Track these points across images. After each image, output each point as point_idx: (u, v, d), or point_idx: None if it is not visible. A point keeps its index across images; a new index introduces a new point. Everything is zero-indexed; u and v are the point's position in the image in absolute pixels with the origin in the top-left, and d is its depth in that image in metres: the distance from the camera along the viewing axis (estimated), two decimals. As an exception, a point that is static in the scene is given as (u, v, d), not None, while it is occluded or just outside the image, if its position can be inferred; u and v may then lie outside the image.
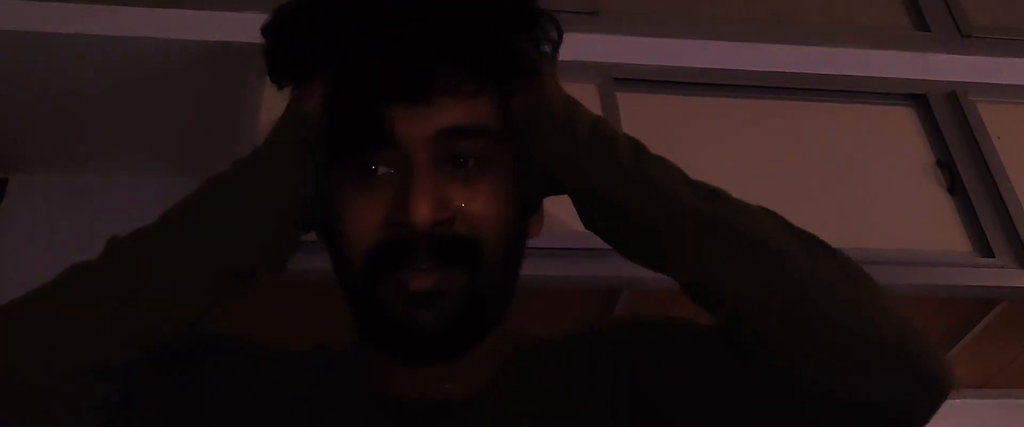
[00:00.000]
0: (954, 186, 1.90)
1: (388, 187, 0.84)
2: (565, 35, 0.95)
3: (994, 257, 1.80)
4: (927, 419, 0.79)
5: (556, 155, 0.88)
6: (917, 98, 2.06)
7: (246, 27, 1.90)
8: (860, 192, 1.87)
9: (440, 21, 0.84)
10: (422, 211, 0.81)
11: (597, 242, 1.64)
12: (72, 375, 0.77)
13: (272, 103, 1.67)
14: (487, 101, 0.88)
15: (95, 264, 0.83)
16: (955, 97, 2.03)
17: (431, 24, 0.83)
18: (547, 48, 0.93)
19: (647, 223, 0.85)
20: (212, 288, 0.84)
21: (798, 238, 0.85)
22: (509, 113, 0.89)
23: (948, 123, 2.00)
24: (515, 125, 0.89)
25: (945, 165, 1.93)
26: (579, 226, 1.65)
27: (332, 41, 0.86)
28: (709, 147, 1.85)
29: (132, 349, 0.80)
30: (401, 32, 0.83)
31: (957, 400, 2.22)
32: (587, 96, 1.77)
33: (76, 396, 0.78)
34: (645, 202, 0.85)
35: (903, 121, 2.03)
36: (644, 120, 1.80)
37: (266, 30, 0.90)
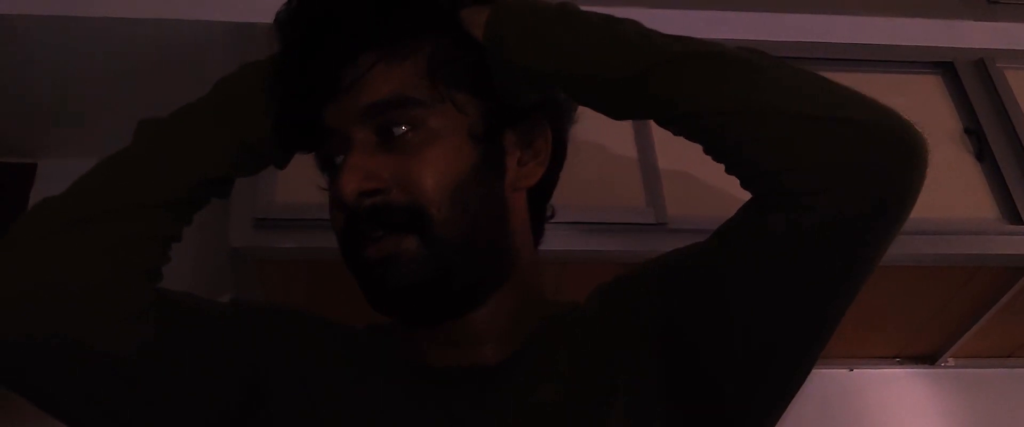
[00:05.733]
0: (982, 153, 1.89)
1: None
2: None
3: (1023, 224, 1.78)
4: (907, 190, 0.83)
5: (529, 51, 0.90)
6: (944, 66, 2.04)
7: (273, 7, 1.91)
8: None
9: (350, 8, 0.91)
10: (345, 186, 0.86)
11: (623, 217, 1.66)
12: (111, 211, 0.85)
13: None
14: (412, 66, 0.92)
15: (124, 148, 0.92)
16: (982, 64, 2.01)
17: (341, 13, 0.91)
18: None
19: (628, 76, 0.87)
20: (228, 155, 0.93)
21: (766, 56, 0.89)
22: (445, 65, 0.93)
23: (976, 90, 1.98)
24: (484, 42, 0.92)
25: (973, 132, 1.92)
26: (606, 201, 1.66)
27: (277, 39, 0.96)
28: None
29: (159, 194, 0.88)
30: (316, 30, 0.91)
31: (987, 370, 2.23)
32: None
33: (114, 232, 0.85)
34: (623, 60, 0.88)
35: (930, 89, 2.01)
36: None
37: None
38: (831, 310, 0.88)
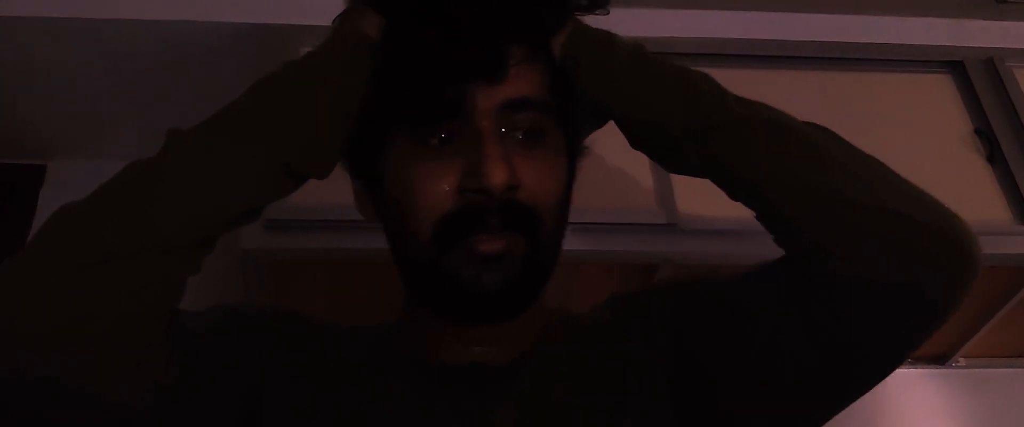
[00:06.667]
0: (993, 154, 1.88)
1: (453, 156, 0.87)
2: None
3: (1035, 225, 1.77)
4: (955, 294, 0.83)
5: (598, 79, 0.92)
6: (953, 65, 2.03)
7: (285, 8, 1.91)
8: (897, 162, 1.82)
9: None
10: (499, 176, 0.83)
11: (635, 217, 1.65)
12: (136, 250, 0.79)
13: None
14: (543, 73, 0.91)
15: (154, 157, 0.86)
16: (992, 63, 2.01)
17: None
18: None
19: (687, 129, 0.89)
20: (264, 182, 0.87)
21: (831, 135, 0.91)
22: (557, 81, 0.93)
23: (985, 90, 1.97)
24: (561, 63, 0.93)
25: (983, 133, 1.91)
26: (617, 202, 1.66)
27: (401, 5, 0.90)
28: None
29: (190, 230, 0.83)
30: (472, 7, 0.87)
31: (998, 369, 2.22)
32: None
33: (145, 271, 0.80)
34: (685, 111, 0.89)
35: (940, 89, 2.01)
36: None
37: None
38: (857, 382, 0.89)
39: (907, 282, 0.81)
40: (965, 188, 1.84)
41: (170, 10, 1.90)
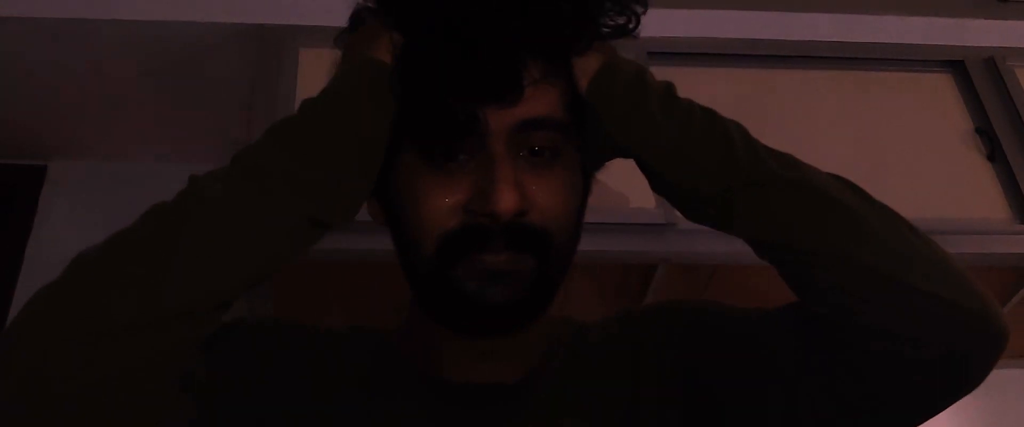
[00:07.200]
0: (994, 153, 1.88)
1: (464, 174, 0.85)
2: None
3: (1035, 224, 1.78)
4: (984, 374, 0.83)
5: (628, 122, 0.89)
6: (954, 64, 2.04)
7: (284, 8, 1.91)
8: (898, 160, 1.86)
9: (524, 13, 0.85)
10: (507, 202, 0.82)
11: (634, 217, 1.65)
12: (153, 320, 0.76)
13: (307, 85, 1.68)
14: (562, 90, 0.89)
15: (173, 208, 0.82)
16: (993, 63, 2.01)
17: (515, 16, 0.84)
18: (627, 22, 0.92)
19: (721, 185, 0.86)
20: (290, 237, 0.83)
21: (866, 200, 0.88)
22: (575, 98, 0.90)
23: (986, 89, 1.98)
24: (587, 95, 0.89)
25: (984, 132, 1.91)
26: (616, 202, 1.65)
27: (417, 23, 0.87)
28: (745, 119, 1.83)
29: (212, 295, 0.79)
30: (488, 26, 0.84)
31: (998, 370, 2.22)
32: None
33: (162, 340, 0.77)
34: (720, 165, 0.86)
35: (941, 88, 2.01)
36: (680, 93, 1.79)
37: None
38: None
39: (937, 359, 0.80)
40: (965, 187, 1.84)
41: (169, 10, 1.90)
